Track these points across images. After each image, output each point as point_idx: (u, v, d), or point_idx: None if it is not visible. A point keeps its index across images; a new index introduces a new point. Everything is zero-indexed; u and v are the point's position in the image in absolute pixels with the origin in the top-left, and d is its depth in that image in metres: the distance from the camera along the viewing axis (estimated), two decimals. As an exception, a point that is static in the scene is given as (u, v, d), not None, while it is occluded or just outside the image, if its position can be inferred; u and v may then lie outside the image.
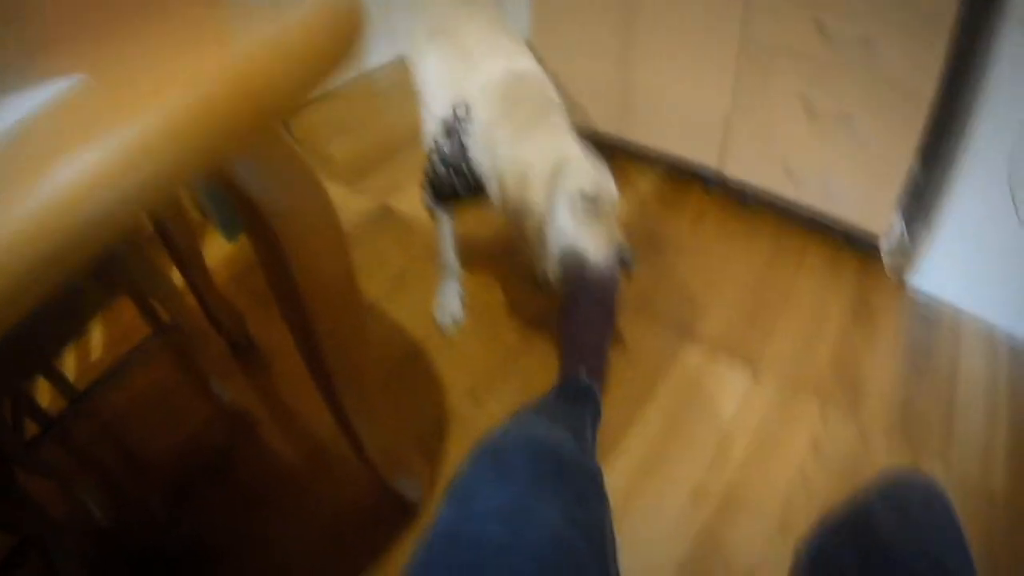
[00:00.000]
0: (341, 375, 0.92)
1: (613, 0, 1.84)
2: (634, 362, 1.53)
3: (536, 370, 1.52)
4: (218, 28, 0.54)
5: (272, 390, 1.53)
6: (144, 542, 1.27)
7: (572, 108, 1.31)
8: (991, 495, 1.29)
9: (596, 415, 1.27)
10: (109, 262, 1.17)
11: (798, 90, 1.64)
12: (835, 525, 0.70)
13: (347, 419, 1.00)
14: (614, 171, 1.25)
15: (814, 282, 1.74)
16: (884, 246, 1.77)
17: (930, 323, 1.64)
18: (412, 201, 1.74)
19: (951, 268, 1.62)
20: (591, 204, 1.18)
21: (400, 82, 1.49)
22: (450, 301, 1.62)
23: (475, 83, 1.29)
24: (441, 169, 1.30)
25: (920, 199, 1.75)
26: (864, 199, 1.70)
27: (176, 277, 1.50)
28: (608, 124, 2.07)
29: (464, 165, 1.28)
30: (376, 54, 2.71)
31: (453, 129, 1.27)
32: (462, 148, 1.27)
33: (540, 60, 1.41)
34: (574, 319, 1.45)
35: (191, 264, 1.44)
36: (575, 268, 1.24)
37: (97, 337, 1.63)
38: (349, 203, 2.02)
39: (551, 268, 1.68)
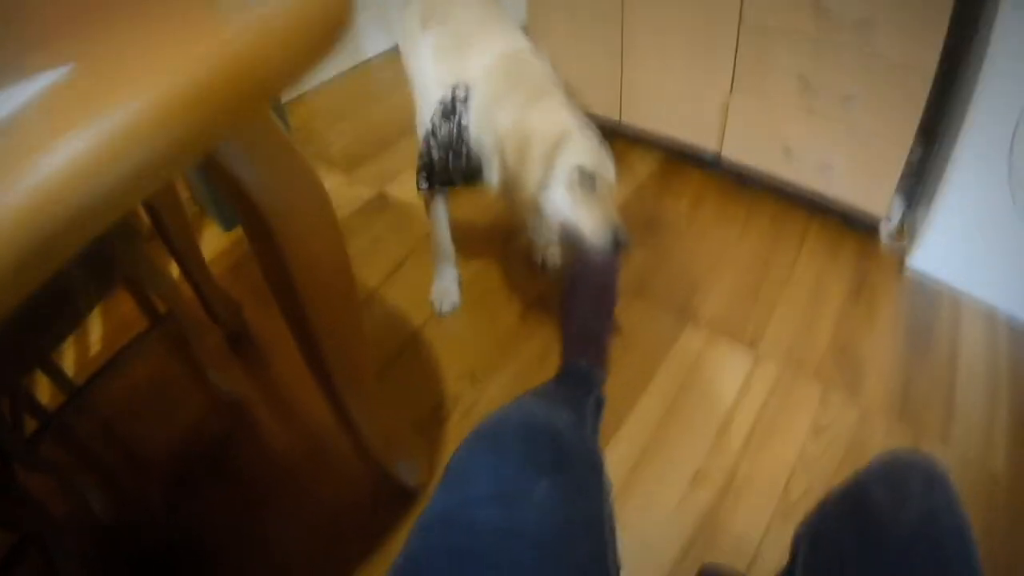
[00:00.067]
0: (337, 363, 0.92)
1: (609, -16, 1.83)
2: (633, 346, 1.53)
3: (535, 354, 1.52)
4: (207, 12, 0.53)
5: (270, 380, 1.53)
6: (143, 535, 1.27)
7: (570, 93, 1.30)
8: (992, 475, 1.28)
9: (599, 402, 1.27)
10: (105, 255, 1.17)
11: (797, 72, 1.62)
12: (833, 506, 0.70)
13: (344, 407, 1.00)
14: (613, 155, 1.24)
15: (814, 264, 1.74)
16: (884, 228, 1.77)
17: (930, 305, 1.63)
18: (409, 189, 1.74)
19: (951, 249, 1.62)
20: (589, 182, 1.18)
21: (396, 72, 1.48)
22: (447, 287, 1.62)
23: (474, 64, 1.28)
24: (437, 154, 1.29)
25: (920, 181, 1.74)
26: (864, 181, 1.69)
27: (173, 269, 1.51)
28: (606, 108, 2.06)
29: (464, 148, 1.27)
30: (372, 44, 2.72)
31: (452, 111, 1.26)
32: (461, 130, 1.26)
33: (537, 45, 1.40)
34: (575, 305, 1.44)
35: (188, 256, 1.44)
36: (574, 249, 1.24)
37: (96, 331, 1.63)
38: (346, 191, 2.02)
39: (549, 240, 1.68)
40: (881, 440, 1.34)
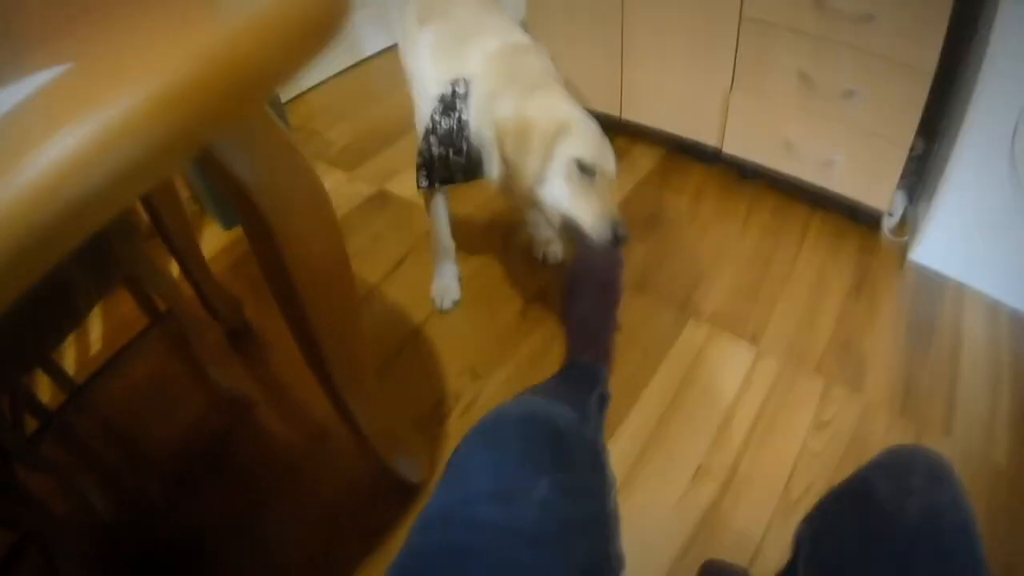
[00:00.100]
0: (337, 361, 0.92)
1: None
2: (635, 342, 1.52)
3: (535, 350, 1.52)
4: (205, 9, 0.53)
5: (270, 377, 1.53)
6: (143, 534, 1.27)
7: (570, 89, 1.30)
8: (995, 468, 1.28)
9: (603, 399, 1.27)
10: (105, 253, 1.17)
11: (798, 67, 1.62)
12: (836, 501, 0.70)
13: (344, 404, 1.00)
14: (615, 147, 1.24)
15: (815, 259, 1.73)
16: (885, 222, 1.77)
17: (932, 299, 1.63)
18: (409, 186, 1.75)
19: (953, 243, 1.61)
20: (588, 174, 1.17)
21: (395, 70, 1.48)
22: (447, 283, 1.62)
23: (473, 59, 1.28)
24: (438, 150, 1.29)
25: (921, 175, 1.74)
26: (865, 176, 1.69)
27: (173, 267, 1.51)
28: (607, 105, 2.06)
29: (464, 143, 1.27)
30: (371, 43, 2.72)
31: (452, 107, 1.25)
32: (461, 125, 1.26)
33: (536, 40, 1.39)
34: (578, 301, 1.44)
35: (187, 254, 1.44)
36: (575, 242, 1.23)
37: (96, 330, 1.63)
38: (346, 189, 2.03)
39: (549, 236, 1.68)
40: (883, 434, 1.33)
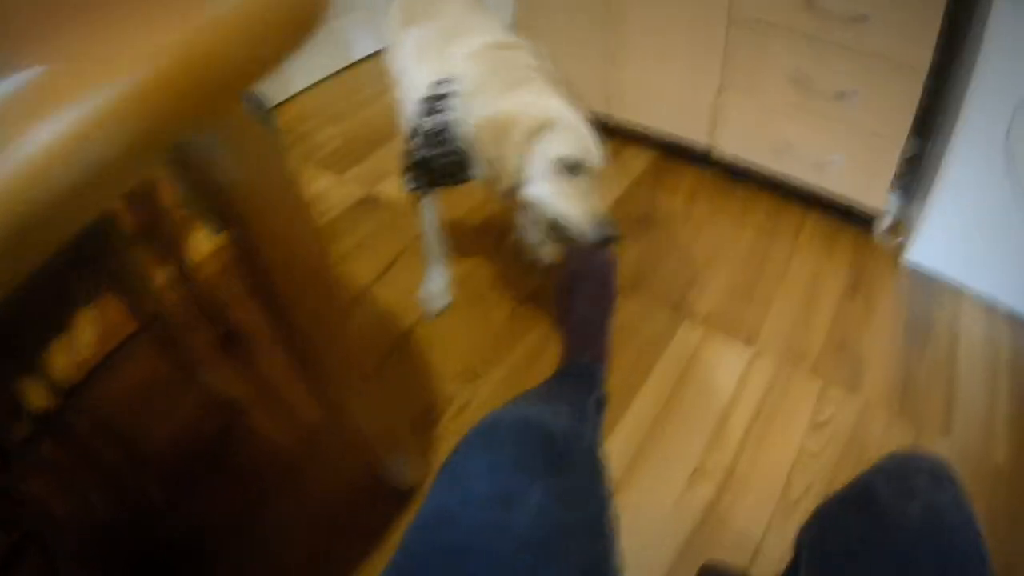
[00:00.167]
0: (322, 359, 0.90)
1: (599, -21, 1.81)
2: (629, 343, 1.51)
3: (528, 353, 1.51)
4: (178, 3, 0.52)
5: (263, 378, 1.51)
6: (144, 532, 1.25)
7: (559, 80, 1.28)
8: (994, 467, 1.27)
9: (600, 401, 1.25)
10: (90, 258, 1.16)
11: (790, 67, 1.61)
12: (837, 504, 0.69)
13: (333, 405, 0.98)
14: (605, 151, 1.22)
15: (810, 258, 1.73)
16: (880, 222, 1.76)
17: (928, 298, 1.62)
18: (399, 188, 1.73)
19: (948, 242, 1.61)
20: (572, 172, 1.15)
21: (386, 73, 1.46)
22: (436, 287, 1.60)
23: (456, 57, 1.26)
24: (424, 152, 1.26)
25: (916, 175, 1.73)
26: (859, 175, 1.68)
27: (161, 271, 1.49)
28: (598, 105, 2.05)
29: (449, 144, 1.25)
30: (361, 46, 2.71)
31: (436, 107, 1.23)
32: (446, 125, 1.24)
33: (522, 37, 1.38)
34: (575, 301, 1.42)
35: (175, 257, 1.42)
36: (564, 242, 1.22)
37: (87, 335, 1.61)
38: (337, 191, 2.01)
39: (539, 239, 1.66)
40: (881, 434, 1.32)
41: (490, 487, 0.55)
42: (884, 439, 1.32)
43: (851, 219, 1.81)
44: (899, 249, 1.72)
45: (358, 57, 2.73)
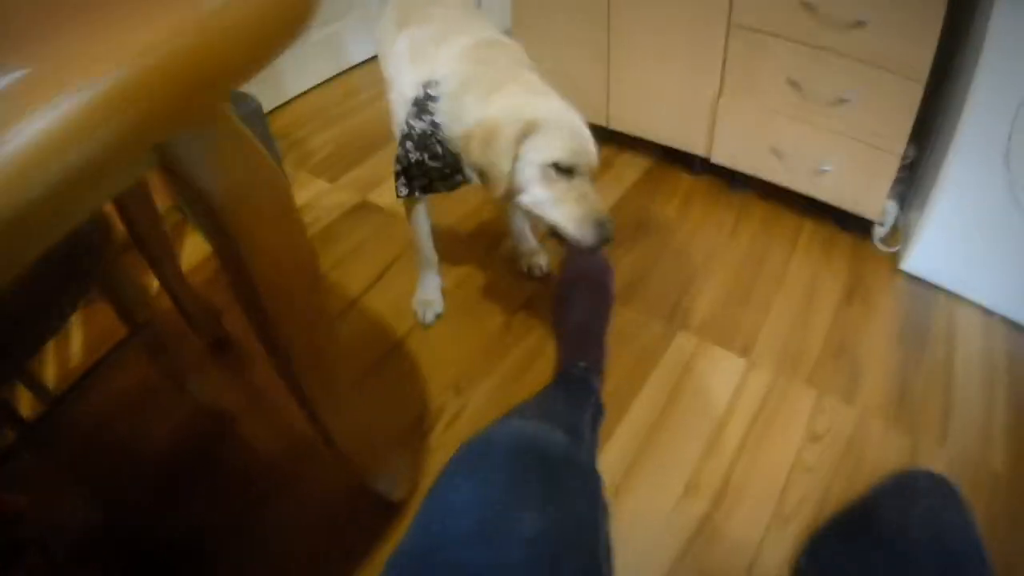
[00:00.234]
0: (307, 370, 0.88)
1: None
2: (624, 352, 1.49)
3: (520, 363, 1.49)
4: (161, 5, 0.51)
5: (253, 386, 1.50)
6: (142, 534, 1.24)
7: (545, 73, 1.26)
8: (991, 476, 1.26)
9: (598, 412, 1.23)
10: (78, 264, 1.15)
11: (788, 73, 1.61)
12: (839, 525, 0.67)
13: (318, 415, 0.97)
14: (601, 158, 1.21)
15: (807, 266, 1.72)
16: (877, 230, 1.75)
17: (925, 306, 1.61)
18: (393, 195, 1.72)
19: (945, 251, 1.59)
20: (566, 174, 1.13)
21: (381, 79, 1.45)
22: (429, 296, 1.59)
23: (443, 58, 1.24)
24: (415, 156, 1.25)
25: (912, 182, 1.72)
26: (857, 183, 1.67)
27: (152, 278, 1.48)
28: (593, 112, 2.04)
29: (438, 146, 1.23)
30: (356, 52, 2.71)
31: (425, 109, 1.22)
32: (434, 127, 1.22)
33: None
34: (572, 306, 1.41)
35: (166, 265, 1.41)
36: (564, 246, 1.20)
37: (77, 342, 1.60)
38: (330, 198, 2.00)
39: (533, 248, 1.65)
40: (878, 443, 1.31)
41: (478, 521, 0.52)
42: (881, 448, 1.30)
43: (848, 226, 1.80)
44: (896, 258, 1.71)
45: (354, 62, 2.73)
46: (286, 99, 2.50)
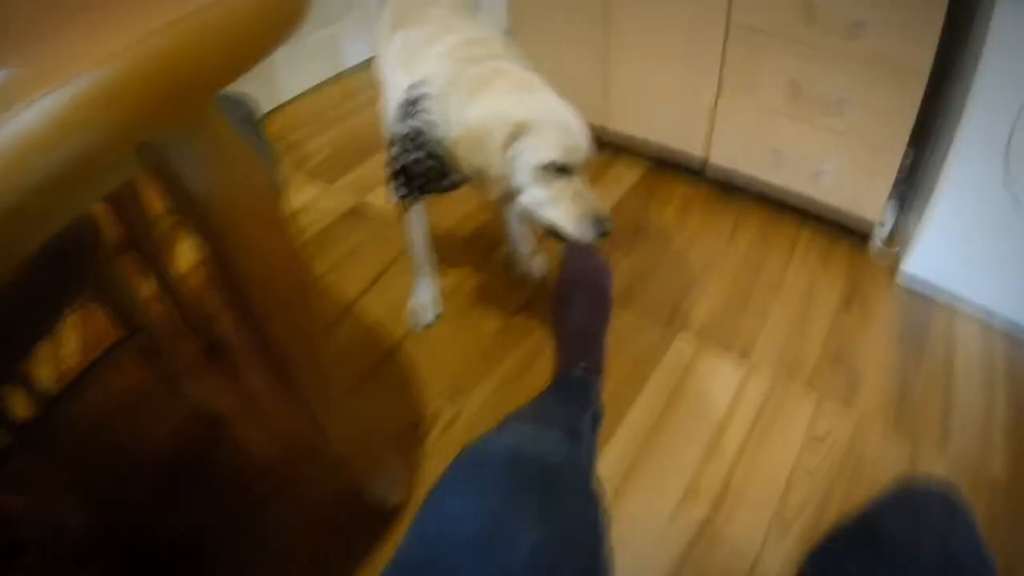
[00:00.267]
0: (298, 374, 0.87)
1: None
2: (622, 357, 1.48)
3: (518, 366, 1.48)
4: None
5: (249, 390, 1.48)
6: (142, 534, 1.23)
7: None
8: (991, 481, 1.25)
9: (597, 416, 1.22)
10: (71, 266, 1.14)
11: (787, 76, 1.60)
12: (843, 537, 0.66)
13: (310, 423, 0.96)
14: (597, 163, 1.20)
15: (806, 271, 1.71)
16: (876, 234, 1.74)
17: (925, 310, 1.61)
18: (388, 198, 1.72)
19: (945, 253, 1.59)
20: (561, 173, 1.12)
21: (376, 83, 1.44)
22: (424, 300, 1.58)
23: (431, 58, 1.23)
24: (406, 158, 1.24)
25: (913, 185, 1.71)
26: (856, 186, 1.67)
27: (148, 281, 1.47)
28: (591, 115, 2.02)
29: (428, 148, 1.21)
30: (353, 54, 2.71)
31: (413, 110, 1.21)
32: (422, 128, 1.21)
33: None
34: (572, 307, 1.40)
35: (160, 267, 1.41)
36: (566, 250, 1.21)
37: (71, 345, 1.59)
38: (326, 201, 1.99)
39: (529, 252, 1.64)
40: (878, 447, 1.30)
41: (475, 534, 0.51)
42: (881, 453, 1.30)
43: (847, 231, 1.79)
44: (895, 261, 1.70)
45: (352, 64, 2.72)
46: (283, 101, 2.50)
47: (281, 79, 2.45)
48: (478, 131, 1.10)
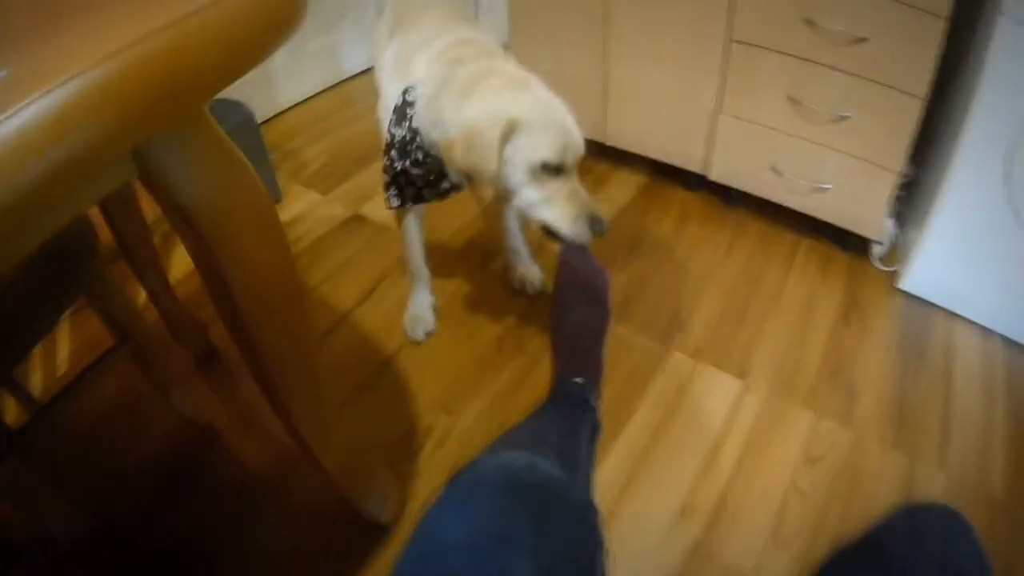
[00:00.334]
0: (288, 386, 0.86)
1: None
2: (618, 371, 1.47)
3: (513, 381, 1.47)
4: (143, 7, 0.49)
5: (237, 401, 1.48)
6: (141, 535, 1.23)
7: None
8: (990, 498, 1.24)
9: (595, 430, 1.21)
10: (62, 274, 1.13)
11: (787, 90, 1.60)
12: (845, 559, 0.65)
13: (300, 435, 0.94)
14: (596, 174, 1.20)
15: (803, 285, 1.70)
16: (876, 248, 1.74)
17: (923, 325, 1.60)
18: (385, 208, 1.71)
19: (945, 268, 1.58)
20: (555, 171, 1.12)
21: (374, 91, 1.43)
22: (420, 312, 1.57)
23: (421, 61, 1.22)
24: (399, 164, 1.23)
25: (912, 199, 1.71)
26: (855, 201, 1.66)
27: (139, 290, 1.47)
28: (590, 127, 2.02)
29: (420, 153, 1.20)
30: (351, 62, 2.70)
31: (404, 115, 1.20)
32: (413, 133, 1.19)
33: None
34: (568, 318, 1.39)
35: (152, 276, 1.40)
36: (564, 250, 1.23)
37: (64, 352, 1.58)
38: (322, 211, 1.99)
39: (526, 263, 1.63)
40: (876, 465, 1.29)
41: (465, 562, 0.50)
42: (878, 471, 1.28)
43: (845, 247, 1.78)
44: (894, 277, 1.69)
45: (350, 73, 2.72)
46: (280, 109, 2.49)
47: (279, 87, 2.45)
48: (471, 132, 1.09)
